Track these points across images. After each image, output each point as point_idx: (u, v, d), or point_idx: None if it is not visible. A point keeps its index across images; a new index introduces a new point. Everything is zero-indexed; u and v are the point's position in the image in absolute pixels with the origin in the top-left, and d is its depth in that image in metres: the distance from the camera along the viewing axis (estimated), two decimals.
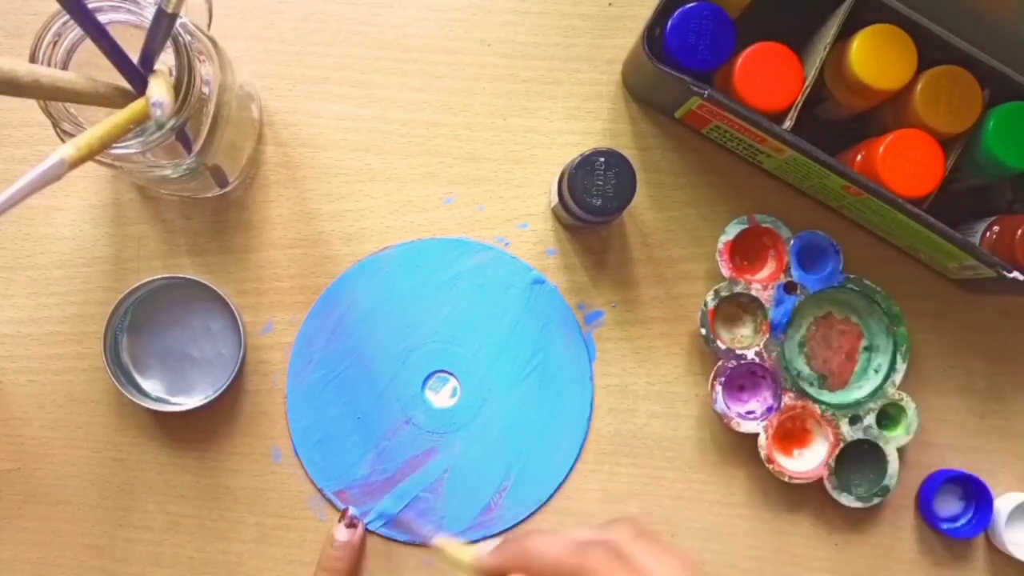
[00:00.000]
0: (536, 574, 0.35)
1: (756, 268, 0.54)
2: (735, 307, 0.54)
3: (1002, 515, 0.53)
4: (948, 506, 0.54)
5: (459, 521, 0.53)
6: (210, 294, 0.51)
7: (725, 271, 0.52)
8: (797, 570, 0.53)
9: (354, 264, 0.53)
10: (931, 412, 0.55)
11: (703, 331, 0.51)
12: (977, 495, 0.54)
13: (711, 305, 0.51)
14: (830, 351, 0.54)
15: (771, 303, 0.52)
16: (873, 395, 0.52)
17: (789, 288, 0.52)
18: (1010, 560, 0.53)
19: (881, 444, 0.52)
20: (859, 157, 0.49)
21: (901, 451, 0.52)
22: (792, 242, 0.52)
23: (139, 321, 0.52)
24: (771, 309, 0.52)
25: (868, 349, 0.54)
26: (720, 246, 0.52)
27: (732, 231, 0.52)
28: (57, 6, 0.37)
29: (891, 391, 0.52)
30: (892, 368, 0.53)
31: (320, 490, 0.52)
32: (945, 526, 0.53)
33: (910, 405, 0.52)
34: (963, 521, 0.54)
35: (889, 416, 0.53)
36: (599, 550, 0.34)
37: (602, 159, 0.48)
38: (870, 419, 0.52)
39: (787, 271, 0.52)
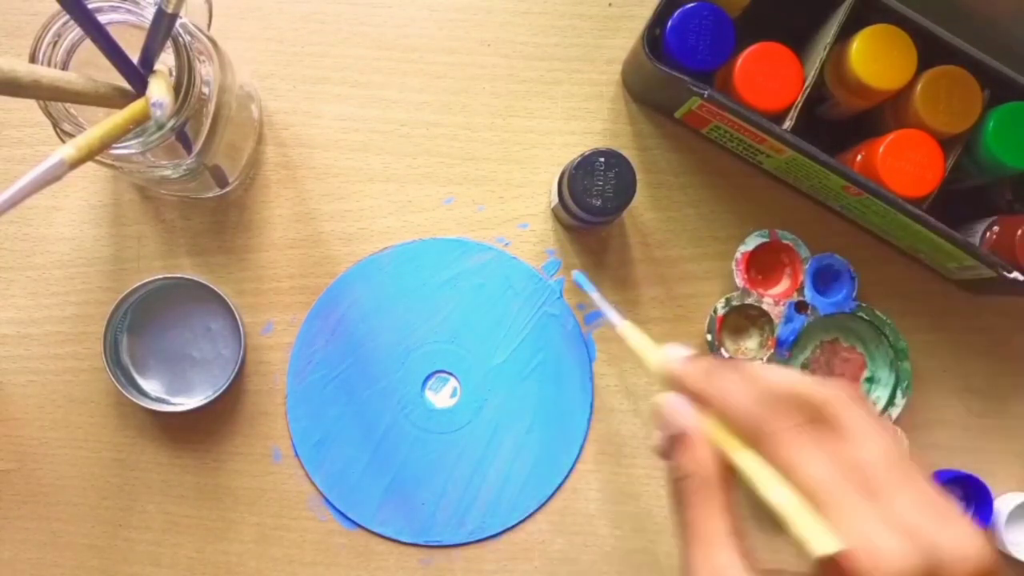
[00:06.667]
0: (720, 410, 0.31)
1: (770, 283, 0.53)
2: (743, 319, 0.53)
3: (1002, 515, 0.53)
4: None
5: (459, 521, 0.53)
6: (210, 294, 0.51)
7: (739, 281, 0.52)
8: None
9: (354, 264, 0.53)
10: (931, 412, 0.54)
11: (708, 337, 0.51)
12: (977, 495, 0.54)
13: (720, 312, 0.51)
14: (832, 377, 0.54)
15: (780, 319, 0.52)
16: None
17: (800, 307, 0.52)
18: (1010, 560, 0.53)
19: None
20: (859, 157, 0.49)
21: None
22: (810, 262, 0.52)
23: (139, 321, 0.52)
24: (780, 325, 0.52)
25: (869, 380, 0.54)
26: (738, 255, 0.52)
27: (752, 243, 0.52)
28: (57, 6, 0.37)
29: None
30: (891, 402, 0.52)
31: (321, 492, 0.52)
32: None
33: (903, 442, 0.52)
34: None
35: None
36: (794, 414, 0.30)
37: (602, 159, 0.48)
38: None
39: (800, 290, 0.52)
